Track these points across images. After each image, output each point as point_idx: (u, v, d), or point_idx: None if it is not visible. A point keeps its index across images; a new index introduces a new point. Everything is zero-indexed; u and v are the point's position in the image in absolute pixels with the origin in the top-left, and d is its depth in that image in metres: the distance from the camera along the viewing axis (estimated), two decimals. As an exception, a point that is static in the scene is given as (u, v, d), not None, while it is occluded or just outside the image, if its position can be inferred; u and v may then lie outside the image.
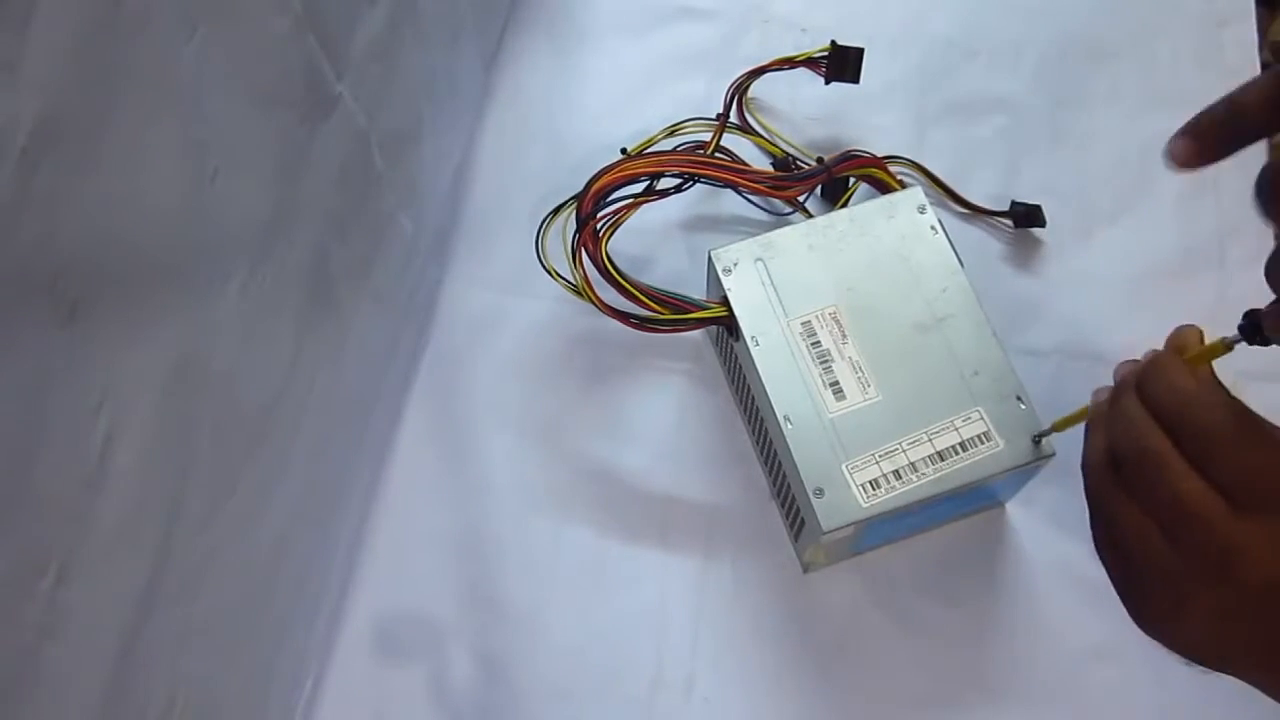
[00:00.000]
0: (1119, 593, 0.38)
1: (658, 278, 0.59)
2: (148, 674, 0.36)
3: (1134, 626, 0.37)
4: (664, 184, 0.57)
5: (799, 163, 0.64)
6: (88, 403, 0.31)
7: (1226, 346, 0.36)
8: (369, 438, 0.58)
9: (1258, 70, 0.68)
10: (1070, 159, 0.66)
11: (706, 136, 0.61)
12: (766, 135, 0.65)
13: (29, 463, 0.29)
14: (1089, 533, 0.39)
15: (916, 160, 0.63)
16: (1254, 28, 0.69)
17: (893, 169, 0.61)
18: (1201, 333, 0.38)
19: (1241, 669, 0.35)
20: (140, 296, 0.33)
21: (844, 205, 0.61)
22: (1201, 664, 0.36)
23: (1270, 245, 0.34)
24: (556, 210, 0.58)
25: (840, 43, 0.62)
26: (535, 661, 0.55)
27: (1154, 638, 0.37)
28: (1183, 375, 0.35)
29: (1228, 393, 0.35)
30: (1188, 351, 0.37)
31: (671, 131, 0.63)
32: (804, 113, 0.67)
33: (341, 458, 0.54)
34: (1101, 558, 0.38)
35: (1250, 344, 0.35)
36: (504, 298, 0.63)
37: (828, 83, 0.63)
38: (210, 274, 0.38)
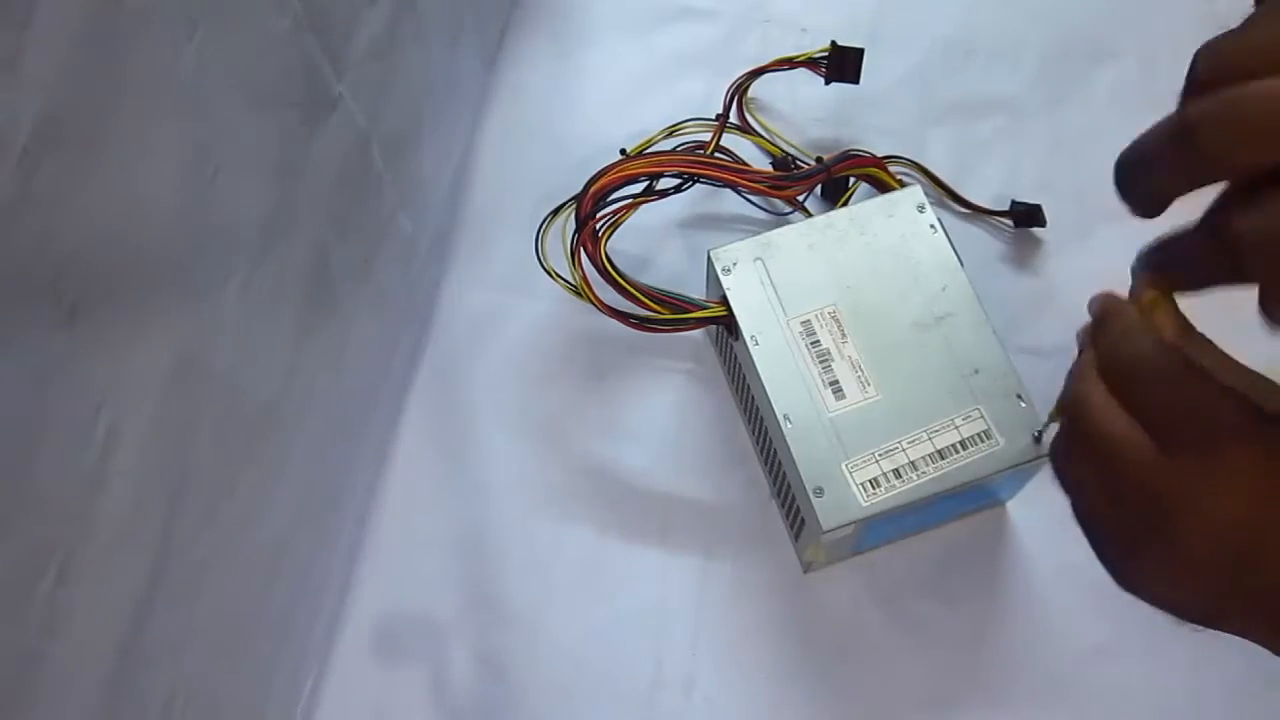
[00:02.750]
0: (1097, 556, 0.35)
1: (657, 278, 0.59)
2: (148, 673, 0.36)
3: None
4: (664, 184, 0.57)
5: (799, 163, 0.64)
6: (88, 403, 0.31)
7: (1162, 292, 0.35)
8: (369, 438, 0.58)
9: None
10: (1070, 159, 0.66)
11: (706, 136, 0.61)
12: (766, 135, 0.65)
13: (29, 463, 0.29)
14: None
15: (916, 160, 0.63)
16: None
17: (893, 169, 0.61)
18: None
19: (1228, 624, 0.32)
20: (140, 296, 0.33)
21: (844, 205, 0.61)
22: (1188, 622, 0.33)
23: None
24: (556, 210, 0.58)
25: (840, 43, 0.62)
26: (535, 661, 0.55)
27: (1135, 595, 0.34)
28: (1123, 319, 0.34)
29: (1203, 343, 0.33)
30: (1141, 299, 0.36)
31: (671, 132, 0.63)
32: (804, 113, 0.67)
33: (341, 458, 0.54)
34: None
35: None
36: (504, 298, 0.63)
37: (828, 83, 0.63)
38: (210, 274, 0.38)
